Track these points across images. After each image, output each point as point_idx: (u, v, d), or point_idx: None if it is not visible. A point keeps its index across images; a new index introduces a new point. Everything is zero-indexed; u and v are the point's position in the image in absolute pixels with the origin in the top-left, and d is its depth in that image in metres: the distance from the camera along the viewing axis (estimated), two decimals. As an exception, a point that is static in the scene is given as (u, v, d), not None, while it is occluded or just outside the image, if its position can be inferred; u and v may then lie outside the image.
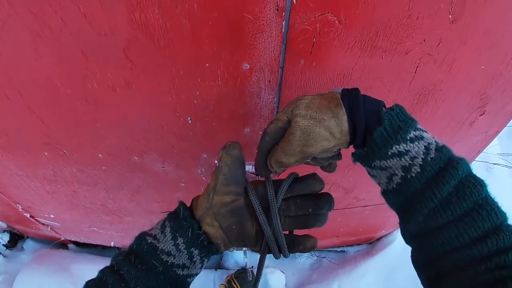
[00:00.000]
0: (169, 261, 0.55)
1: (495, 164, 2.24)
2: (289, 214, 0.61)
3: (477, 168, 2.24)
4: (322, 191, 0.61)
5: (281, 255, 0.60)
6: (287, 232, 0.62)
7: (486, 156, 2.20)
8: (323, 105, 0.52)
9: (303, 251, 0.60)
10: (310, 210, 0.60)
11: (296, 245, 0.60)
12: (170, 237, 0.55)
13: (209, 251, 0.59)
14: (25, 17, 0.55)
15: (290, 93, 0.72)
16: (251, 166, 0.92)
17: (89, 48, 0.61)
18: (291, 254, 0.62)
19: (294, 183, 0.60)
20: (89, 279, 0.56)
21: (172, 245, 0.55)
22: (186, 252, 0.56)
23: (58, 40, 0.59)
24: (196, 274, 0.60)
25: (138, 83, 0.67)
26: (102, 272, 0.55)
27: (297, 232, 0.62)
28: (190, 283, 0.59)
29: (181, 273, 0.56)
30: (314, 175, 0.61)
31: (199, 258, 0.57)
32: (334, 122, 0.51)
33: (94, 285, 0.54)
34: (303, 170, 0.63)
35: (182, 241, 0.55)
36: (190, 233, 0.55)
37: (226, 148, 0.56)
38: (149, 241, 0.55)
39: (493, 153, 2.25)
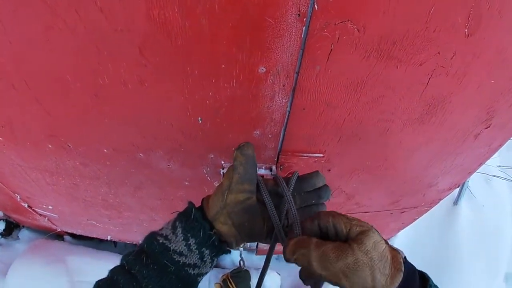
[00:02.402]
0: (181, 261, 0.56)
1: (494, 176, 2.25)
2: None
3: (477, 180, 2.25)
4: None
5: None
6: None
7: (486, 168, 2.21)
8: (387, 257, 0.48)
9: None
10: (313, 201, 0.64)
11: None
12: (182, 237, 0.56)
13: (220, 250, 0.61)
14: (38, 7, 0.54)
15: (303, 98, 0.72)
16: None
17: (103, 43, 0.60)
18: None
19: (301, 182, 0.64)
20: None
21: (184, 246, 0.56)
22: (197, 252, 0.57)
23: (72, 33, 0.58)
24: (206, 273, 0.61)
25: (151, 81, 0.67)
26: (112, 271, 0.56)
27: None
28: (199, 281, 0.61)
29: (192, 272, 0.57)
30: (317, 174, 0.65)
31: (209, 257, 0.59)
32: (384, 281, 0.47)
33: (104, 284, 0.55)
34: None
35: (193, 241, 0.56)
36: (201, 233, 0.57)
37: (241, 148, 0.58)
38: (160, 241, 0.56)
39: (492, 165, 2.26)
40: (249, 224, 0.60)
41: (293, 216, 0.58)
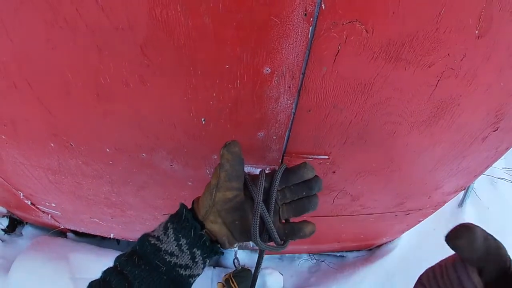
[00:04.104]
0: (172, 261, 0.56)
1: (499, 178, 2.23)
2: (285, 201, 0.64)
3: (482, 182, 2.23)
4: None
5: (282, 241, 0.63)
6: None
7: (492, 170, 2.19)
8: None
9: (304, 236, 0.63)
10: (304, 193, 0.64)
11: (296, 232, 0.63)
12: (173, 238, 0.57)
13: (211, 251, 0.61)
14: (39, 6, 0.53)
15: (309, 99, 0.70)
16: (254, 168, 0.91)
17: (104, 42, 0.59)
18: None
19: (288, 173, 0.64)
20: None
21: (175, 246, 0.57)
22: (188, 252, 0.57)
23: (73, 32, 0.57)
24: (198, 275, 0.61)
25: (153, 81, 0.66)
26: (105, 272, 0.57)
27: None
28: (192, 283, 0.61)
29: (183, 273, 0.57)
30: (305, 164, 0.64)
31: (201, 258, 0.59)
32: None
33: (97, 285, 0.55)
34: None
35: (185, 241, 0.57)
36: (192, 234, 0.57)
37: (227, 146, 0.59)
38: (152, 242, 0.57)
39: (498, 168, 2.24)
40: (240, 221, 0.60)
41: (259, 206, 0.59)
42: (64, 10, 0.54)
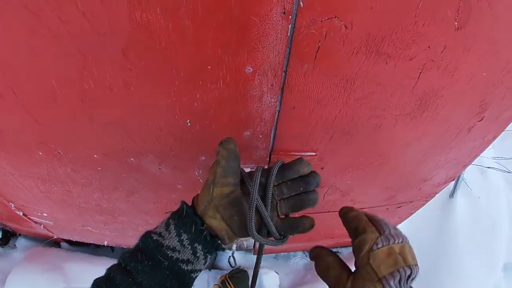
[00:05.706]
0: (174, 257, 0.57)
1: (489, 167, 2.26)
2: (283, 197, 0.64)
3: (472, 172, 2.26)
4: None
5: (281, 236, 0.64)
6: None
7: (481, 159, 2.22)
8: None
9: (303, 231, 0.63)
10: (301, 189, 0.64)
11: (295, 227, 0.63)
12: (175, 233, 0.58)
13: (212, 246, 0.61)
14: (21, 14, 0.53)
15: (292, 97, 0.71)
16: (249, 168, 0.92)
17: (87, 47, 0.59)
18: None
19: (283, 169, 0.64)
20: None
21: (177, 241, 0.58)
22: (190, 247, 0.58)
23: (55, 38, 0.57)
24: (200, 270, 0.62)
25: (137, 84, 0.66)
26: (109, 269, 0.57)
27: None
28: (194, 278, 0.62)
29: (185, 268, 0.58)
30: (301, 160, 0.65)
31: (202, 253, 0.60)
32: None
33: (101, 283, 0.56)
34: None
35: (186, 237, 0.58)
36: (193, 229, 0.58)
37: (223, 143, 0.60)
38: (154, 238, 0.58)
39: (487, 157, 2.27)
40: (238, 217, 0.61)
41: (254, 197, 0.60)
42: (46, 18, 0.53)
